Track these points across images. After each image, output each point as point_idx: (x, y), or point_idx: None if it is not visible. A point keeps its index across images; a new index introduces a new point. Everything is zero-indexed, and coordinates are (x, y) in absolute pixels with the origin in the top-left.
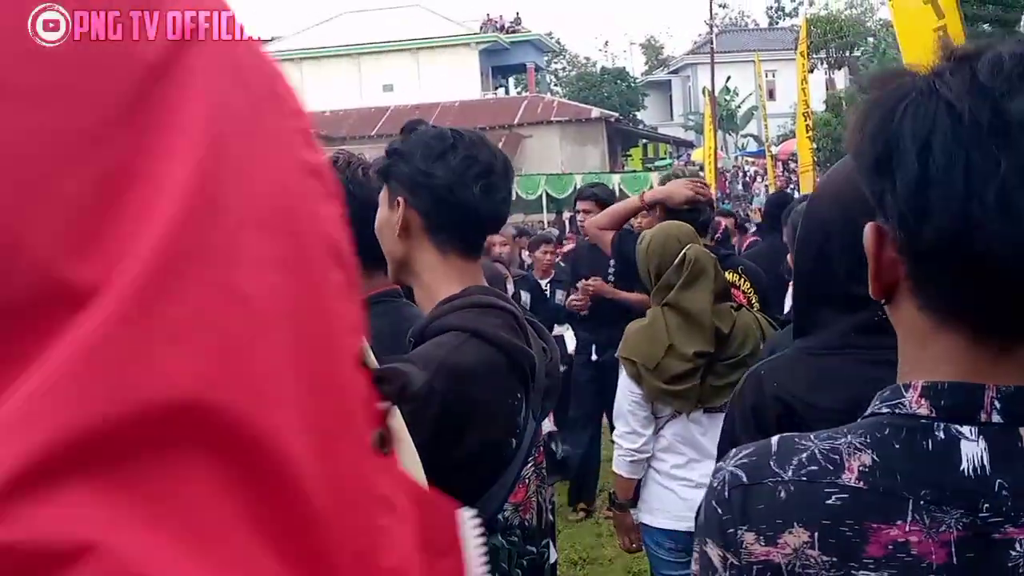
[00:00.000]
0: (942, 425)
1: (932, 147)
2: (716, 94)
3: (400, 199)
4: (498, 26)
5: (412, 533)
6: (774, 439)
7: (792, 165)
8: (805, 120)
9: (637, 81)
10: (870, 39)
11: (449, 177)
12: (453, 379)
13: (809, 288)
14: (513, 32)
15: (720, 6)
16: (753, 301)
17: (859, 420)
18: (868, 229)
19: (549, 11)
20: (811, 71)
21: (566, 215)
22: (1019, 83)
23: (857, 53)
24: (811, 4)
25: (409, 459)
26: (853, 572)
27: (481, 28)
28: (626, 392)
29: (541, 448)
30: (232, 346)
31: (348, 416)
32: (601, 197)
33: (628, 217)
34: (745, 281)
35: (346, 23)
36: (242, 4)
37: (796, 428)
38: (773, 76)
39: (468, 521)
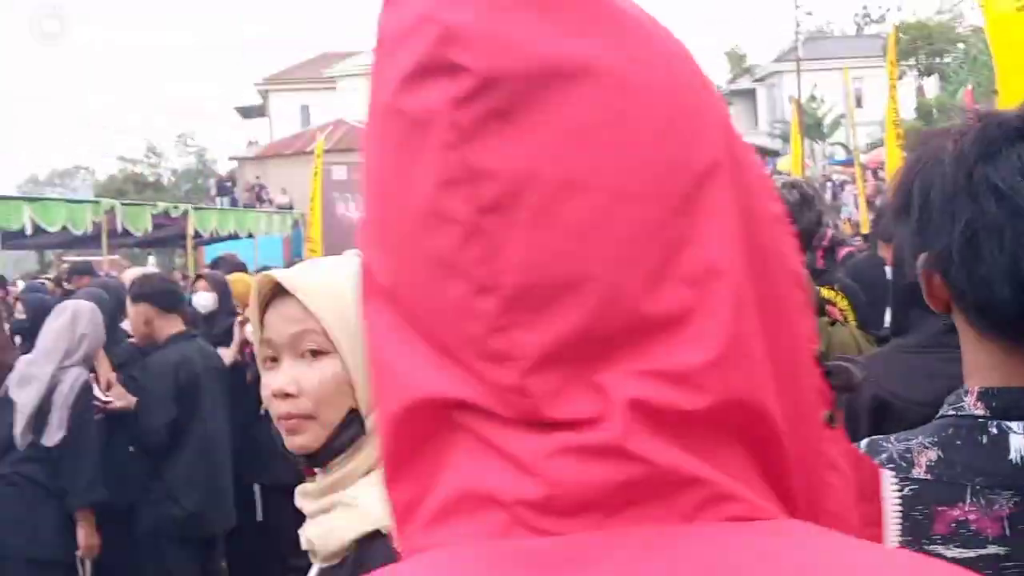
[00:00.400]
0: (995, 423)
1: (930, 201)
2: (803, 102)
3: None
4: None
5: (850, 489)
6: (863, 443)
7: (881, 174)
8: (895, 128)
9: (721, 89)
10: (960, 45)
11: None
12: None
13: (905, 292)
14: None
15: (806, 14)
16: (850, 319)
17: (932, 421)
18: (919, 259)
19: None
20: (900, 78)
21: None
22: (992, 150)
23: (948, 60)
24: (899, 10)
25: None
26: (925, 547)
27: None
28: None
29: None
30: (762, 355)
31: (808, 401)
32: None
33: None
34: (843, 298)
35: None
36: (323, 18)
37: (888, 419)
38: (860, 83)
39: (887, 478)
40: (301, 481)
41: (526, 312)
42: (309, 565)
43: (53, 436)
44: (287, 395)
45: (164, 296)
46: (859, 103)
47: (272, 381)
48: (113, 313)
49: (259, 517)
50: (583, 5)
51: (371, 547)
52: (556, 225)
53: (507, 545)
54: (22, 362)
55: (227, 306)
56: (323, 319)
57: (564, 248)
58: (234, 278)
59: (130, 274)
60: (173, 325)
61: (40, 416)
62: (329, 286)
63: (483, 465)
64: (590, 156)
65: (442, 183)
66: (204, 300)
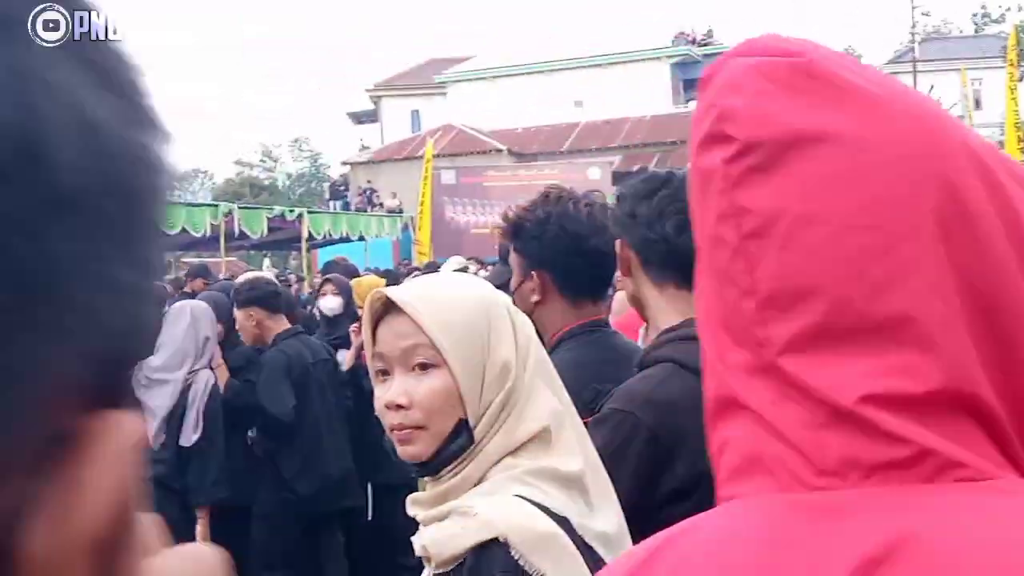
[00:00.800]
0: None
1: None
2: None
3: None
4: (690, 39)
5: None
6: None
7: None
8: (1016, 131)
9: None
10: None
11: (648, 215)
12: (659, 411)
13: None
14: (705, 45)
15: (923, 14)
16: None
17: None
18: None
19: (742, 23)
20: (1021, 79)
21: None
22: None
23: None
24: (1020, 9)
25: (602, 491)
26: None
27: (673, 42)
28: None
29: None
30: (971, 349)
31: None
32: None
33: None
34: None
35: (537, 40)
36: (434, 25)
37: None
38: (979, 85)
39: None
40: (412, 481)
41: (776, 311)
42: (419, 565)
43: (189, 437)
44: (399, 407)
45: (271, 298)
46: (978, 105)
47: (384, 393)
48: (231, 317)
49: (369, 516)
50: (822, 87)
51: (487, 554)
52: (797, 248)
53: (788, 498)
54: (147, 366)
55: (351, 309)
56: (432, 334)
57: (803, 264)
58: (360, 280)
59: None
60: (280, 324)
61: (171, 418)
62: (438, 302)
63: (764, 435)
64: (823, 197)
65: (719, 217)
66: (330, 304)
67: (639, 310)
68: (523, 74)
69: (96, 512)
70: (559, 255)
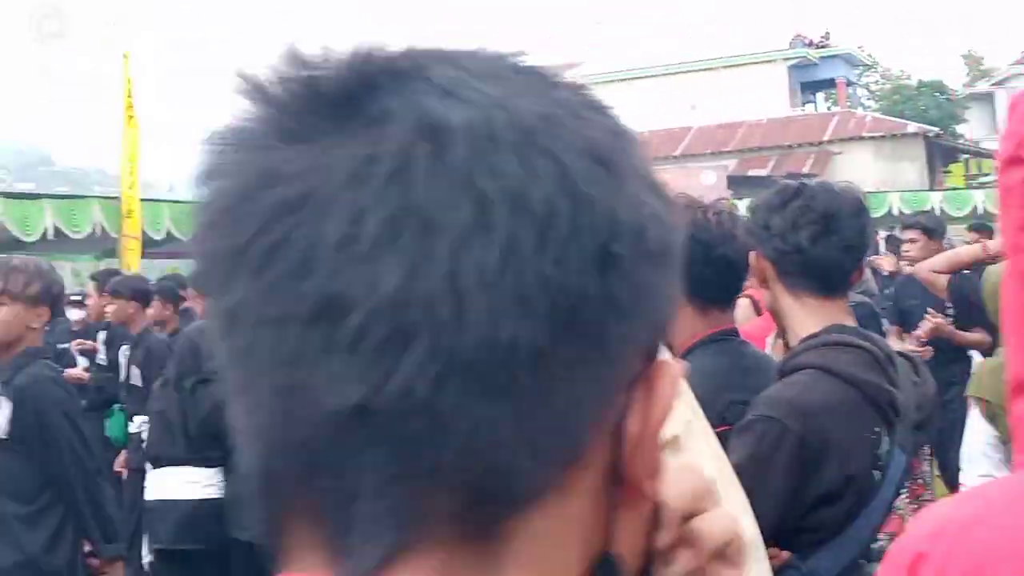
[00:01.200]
0: None
1: None
2: None
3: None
4: (807, 42)
5: None
6: None
7: None
8: None
9: (957, 93)
10: None
11: (782, 226)
12: (805, 417)
13: None
14: (822, 48)
15: None
16: None
17: None
18: None
19: (860, 25)
20: None
21: (881, 234)
22: None
23: None
24: None
25: (734, 499)
26: None
27: (790, 44)
28: (979, 434)
29: (921, 481)
30: None
31: None
32: (928, 226)
33: (967, 265)
34: None
35: (650, 43)
36: (546, 30)
37: None
38: None
39: None
40: None
41: None
42: None
43: None
44: None
45: None
46: None
47: None
48: None
49: None
50: None
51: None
52: None
53: None
54: None
55: None
56: None
57: None
58: None
59: None
60: None
61: None
62: None
63: None
64: None
65: (1017, 228)
66: None
67: (776, 320)
68: (636, 78)
69: (661, 410)
70: (688, 264)
